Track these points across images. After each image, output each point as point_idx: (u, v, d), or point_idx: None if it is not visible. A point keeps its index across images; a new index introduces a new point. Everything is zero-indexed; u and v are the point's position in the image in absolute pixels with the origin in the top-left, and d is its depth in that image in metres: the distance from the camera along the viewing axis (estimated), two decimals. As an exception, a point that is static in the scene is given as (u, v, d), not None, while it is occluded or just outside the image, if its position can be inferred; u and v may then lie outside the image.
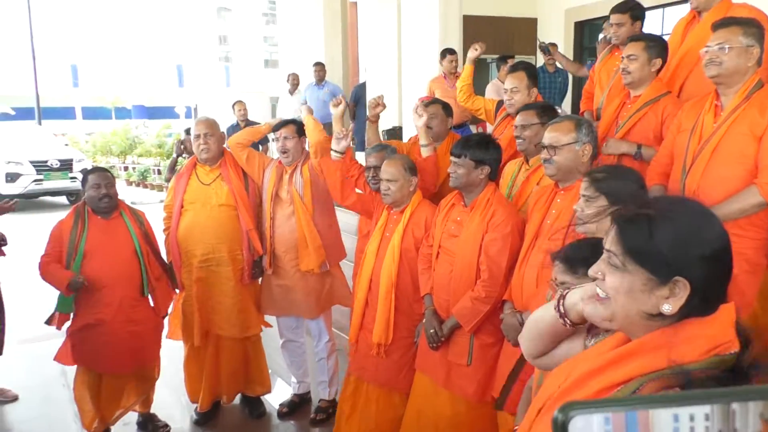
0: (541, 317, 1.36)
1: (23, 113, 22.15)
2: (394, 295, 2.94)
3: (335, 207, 3.70)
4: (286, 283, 3.57)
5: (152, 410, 3.61)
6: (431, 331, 2.73)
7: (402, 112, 6.97)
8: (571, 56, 6.88)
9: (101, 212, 3.25)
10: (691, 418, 0.67)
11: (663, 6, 6.23)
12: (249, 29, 43.62)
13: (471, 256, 2.63)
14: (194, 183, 3.54)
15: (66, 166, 12.46)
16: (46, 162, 12.22)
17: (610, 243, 1.06)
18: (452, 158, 2.70)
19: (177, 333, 3.70)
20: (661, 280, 0.99)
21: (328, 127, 3.28)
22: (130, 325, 3.24)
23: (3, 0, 34.01)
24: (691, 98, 2.66)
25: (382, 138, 3.96)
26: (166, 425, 3.58)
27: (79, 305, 3.23)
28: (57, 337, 3.46)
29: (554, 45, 6.01)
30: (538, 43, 4.89)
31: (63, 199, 13.06)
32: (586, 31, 7.54)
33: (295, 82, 8.55)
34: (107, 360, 3.24)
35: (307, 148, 3.61)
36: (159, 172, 15.51)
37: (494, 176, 2.75)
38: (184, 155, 5.24)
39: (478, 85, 4.32)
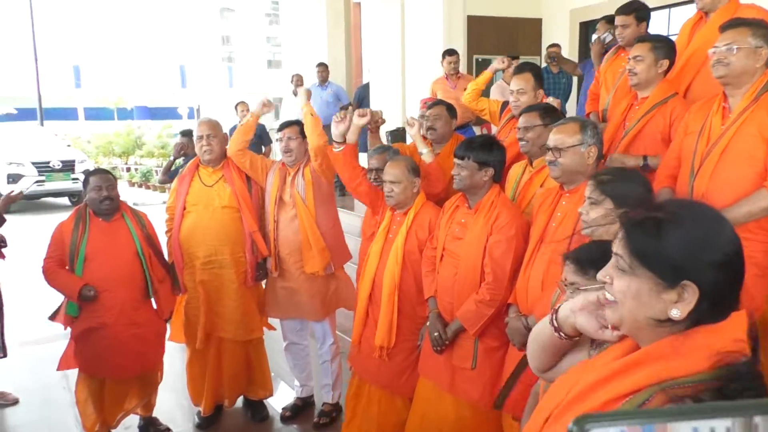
0: (541, 331, 1.36)
1: (25, 114, 22.24)
2: (397, 298, 2.93)
3: (338, 209, 3.69)
4: (290, 285, 3.56)
5: (153, 414, 3.60)
6: (435, 334, 2.72)
7: (406, 113, 6.97)
8: (576, 57, 6.87)
9: (102, 214, 3.25)
10: (712, 432, 0.66)
11: (669, 6, 6.20)
12: (252, 30, 43.72)
13: (475, 259, 2.62)
14: (197, 185, 3.53)
15: (68, 167, 12.48)
16: (48, 163, 12.25)
17: (617, 246, 1.05)
18: (456, 160, 2.69)
19: (179, 335, 3.69)
20: (668, 283, 0.98)
21: (328, 129, 3.26)
22: (133, 328, 3.23)
23: (5, 0, 34.15)
24: (698, 100, 2.65)
25: (385, 140, 3.95)
26: (168, 429, 3.58)
27: (81, 308, 3.21)
28: (58, 340, 3.46)
29: (557, 45, 6.02)
30: (547, 53, 4.99)
31: (65, 201, 13.09)
32: (591, 32, 7.51)
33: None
34: (110, 364, 3.23)
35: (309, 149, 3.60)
36: (161, 174, 15.51)
37: (498, 178, 2.74)
38: (181, 157, 5.25)
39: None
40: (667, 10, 6.25)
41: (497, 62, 3.97)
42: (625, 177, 2.04)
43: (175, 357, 3.59)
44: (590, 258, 1.53)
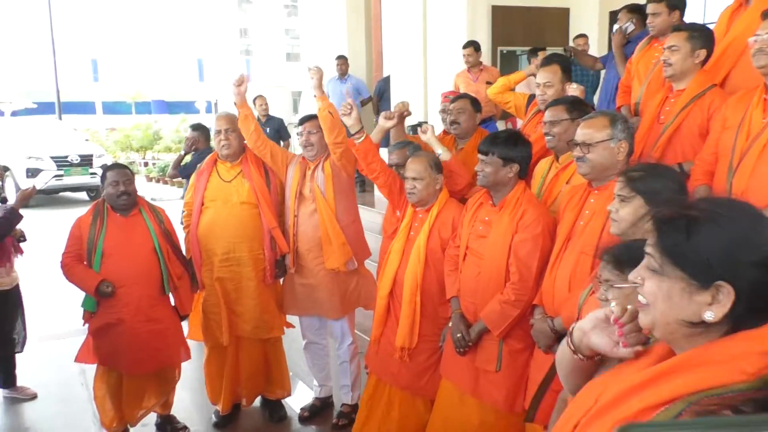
0: (563, 355, 1.32)
1: (43, 108, 22.64)
2: (419, 298, 2.92)
3: (358, 205, 3.69)
4: (310, 281, 3.56)
5: (171, 412, 3.64)
6: (458, 335, 2.70)
7: (428, 108, 6.93)
8: (605, 48, 6.77)
9: (120, 209, 3.29)
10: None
11: (705, -6, 6.08)
12: (270, 22, 43.88)
13: (500, 258, 2.59)
14: (215, 180, 3.55)
15: (86, 161, 12.68)
16: (66, 157, 12.45)
17: (649, 245, 1.03)
18: (480, 156, 2.67)
19: (197, 333, 3.72)
20: (701, 284, 0.95)
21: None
22: (150, 324, 3.27)
23: (24, -6, 34.73)
24: (736, 91, 2.58)
25: (407, 132, 3.92)
26: (185, 427, 3.61)
27: (99, 304, 3.26)
28: (77, 335, 3.51)
29: (584, 36, 5.93)
30: (566, 49, 4.91)
31: (83, 195, 13.30)
32: (621, 22, 7.39)
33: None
34: (128, 360, 3.27)
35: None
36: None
37: (524, 174, 2.71)
38: (192, 152, 5.29)
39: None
40: (702, -2, 6.12)
41: (534, 67, 3.93)
42: (658, 173, 1.99)
43: (192, 355, 3.62)
44: (628, 256, 1.50)
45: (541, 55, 4.21)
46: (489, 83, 5.27)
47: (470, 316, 2.72)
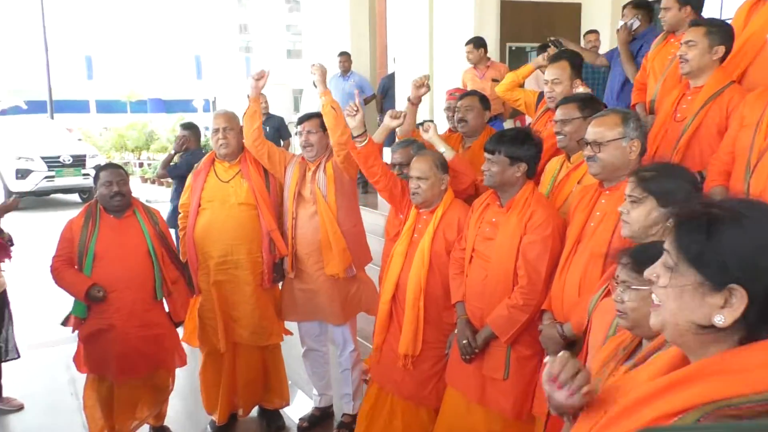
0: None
1: (35, 107, 22.70)
2: (422, 303, 2.92)
3: (360, 207, 3.70)
4: (309, 287, 3.57)
5: (164, 422, 3.65)
6: (464, 342, 2.70)
7: (434, 105, 6.95)
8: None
9: (113, 211, 3.30)
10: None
11: (722, -12, 6.08)
12: (271, 18, 44.03)
13: (507, 261, 2.60)
14: (212, 180, 3.56)
15: (79, 162, 12.70)
16: (58, 158, 12.47)
17: (667, 242, 1.04)
18: (486, 155, 2.68)
19: (192, 338, 3.73)
20: (715, 285, 0.96)
21: None
22: (143, 330, 3.28)
23: (16, -12, 34.94)
24: (754, 88, 2.59)
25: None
26: (180, 438, 3.62)
27: (90, 309, 3.27)
28: (67, 343, 3.53)
29: (595, 32, 5.93)
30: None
31: (75, 197, 13.34)
32: (635, 17, 7.39)
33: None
34: (118, 366, 3.28)
35: (330, 143, 3.60)
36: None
37: (532, 174, 2.72)
38: (183, 151, 5.32)
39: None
40: (719, -8, 6.12)
41: (542, 58, 3.93)
42: (671, 173, 1.99)
43: (187, 362, 3.63)
44: (647, 257, 1.51)
45: (550, 50, 4.21)
46: (495, 80, 5.28)
47: (476, 321, 2.72)
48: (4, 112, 22.57)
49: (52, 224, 5.52)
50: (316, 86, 3.51)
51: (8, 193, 11.84)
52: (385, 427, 3.10)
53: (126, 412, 3.43)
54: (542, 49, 6.25)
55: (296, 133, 3.61)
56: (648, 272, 1.07)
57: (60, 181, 12.49)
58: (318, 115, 3.53)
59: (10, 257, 4.01)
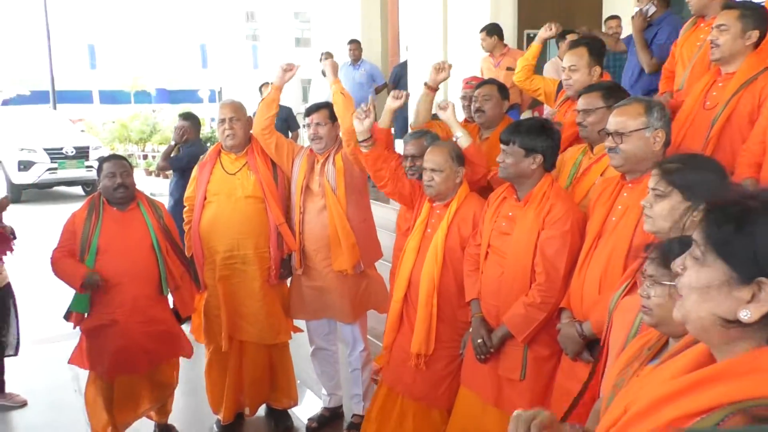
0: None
1: (37, 97, 22.91)
2: (436, 300, 2.91)
3: (371, 201, 3.69)
4: (318, 284, 3.57)
5: (169, 420, 3.67)
6: (479, 341, 2.69)
7: (448, 95, 6.91)
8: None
9: (117, 203, 3.32)
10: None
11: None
12: (278, 5, 44.01)
13: (524, 257, 2.58)
14: (218, 172, 3.56)
15: (82, 153, 12.80)
16: (61, 149, 12.57)
17: (696, 231, 1.02)
18: (501, 145, 2.66)
19: (198, 334, 3.75)
20: (743, 278, 0.95)
21: None
22: (146, 326, 3.30)
23: (17, -24, 35.15)
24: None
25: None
26: (185, 437, 3.65)
27: (93, 303, 3.29)
28: (71, 338, 3.55)
29: (616, 18, 5.87)
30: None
31: (78, 190, 13.44)
32: (659, 2, 7.31)
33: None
34: (120, 364, 3.29)
35: (340, 134, 3.60)
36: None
37: (549, 166, 2.69)
38: (183, 143, 5.33)
39: (536, 63, 4.24)
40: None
41: (544, 30, 3.88)
42: (696, 165, 1.96)
43: (193, 360, 3.65)
44: (676, 252, 1.49)
45: (569, 38, 4.17)
46: (510, 69, 5.24)
47: (492, 319, 2.71)
48: (6, 102, 22.77)
49: (55, 217, 5.56)
50: (325, 75, 3.50)
51: (10, 185, 11.95)
52: (396, 430, 3.10)
53: (128, 407, 3.45)
54: (561, 36, 6.21)
55: (304, 125, 3.60)
56: (675, 264, 1.06)
57: (63, 173, 12.59)
58: (327, 106, 3.51)
59: (12, 250, 4.04)
